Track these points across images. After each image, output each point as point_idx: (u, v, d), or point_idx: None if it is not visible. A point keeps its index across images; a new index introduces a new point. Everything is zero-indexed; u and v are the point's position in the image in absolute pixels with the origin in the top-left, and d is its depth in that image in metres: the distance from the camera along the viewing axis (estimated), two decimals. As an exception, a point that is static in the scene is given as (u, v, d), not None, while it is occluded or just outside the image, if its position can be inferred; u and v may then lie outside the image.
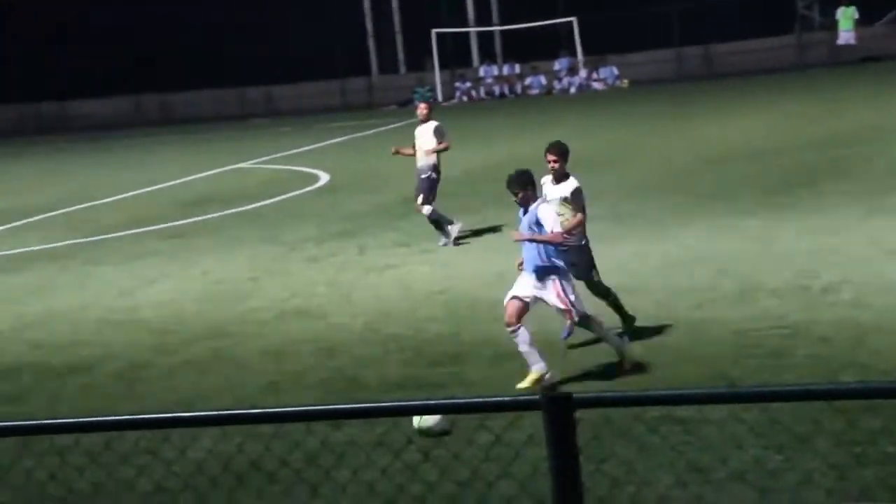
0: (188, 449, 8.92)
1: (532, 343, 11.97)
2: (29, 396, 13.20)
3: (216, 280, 18.88)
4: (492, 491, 8.46)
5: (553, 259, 12.12)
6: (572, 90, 56.80)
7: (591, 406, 5.02)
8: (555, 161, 13.64)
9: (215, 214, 26.05)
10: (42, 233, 25.38)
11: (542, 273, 12.12)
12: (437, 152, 20.46)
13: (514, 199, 12.33)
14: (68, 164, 42.90)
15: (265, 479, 8.95)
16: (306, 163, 35.17)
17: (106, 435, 7.82)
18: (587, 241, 13.70)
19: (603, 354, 12.61)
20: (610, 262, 15.33)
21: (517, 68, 58.90)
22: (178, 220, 25.61)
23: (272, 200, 27.74)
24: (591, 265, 13.75)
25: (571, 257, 12.98)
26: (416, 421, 10.15)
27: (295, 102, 60.10)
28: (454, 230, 20.29)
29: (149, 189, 31.78)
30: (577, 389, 8.64)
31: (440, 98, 56.31)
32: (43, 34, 62.01)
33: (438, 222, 20.37)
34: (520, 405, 5.25)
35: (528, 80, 58.23)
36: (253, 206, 27.05)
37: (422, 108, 20.67)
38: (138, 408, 12.14)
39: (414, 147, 20.78)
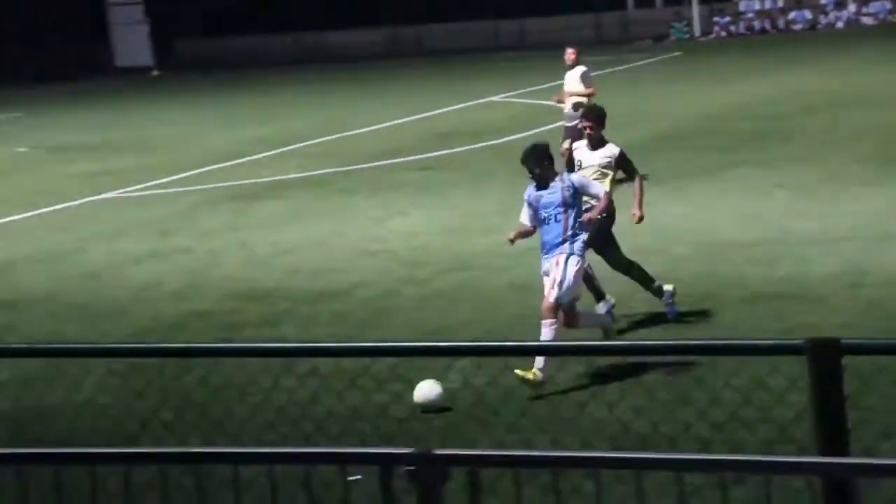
0: (442, 381, 8.93)
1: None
2: (285, 320, 13.50)
3: (465, 213, 18.92)
4: (752, 435, 8.23)
5: (577, 233, 11.02)
6: (839, 24, 54.78)
7: (859, 353, 4.73)
8: (590, 128, 12.80)
9: (466, 147, 26.12)
10: (300, 161, 25.91)
11: (557, 247, 11.01)
12: (584, 97, 20.09)
13: (529, 176, 11.33)
14: (326, 94, 43.68)
15: (516, 413, 8.91)
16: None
17: (360, 361, 7.93)
18: (613, 216, 12.60)
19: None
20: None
21: (780, 2, 57.14)
22: (429, 153, 25.79)
23: (522, 135, 27.64)
24: (613, 241, 12.73)
25: (594, 231, 11.93)
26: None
27: (548, 36, 59.79)
28: None
29: (402, 120, 32.09)
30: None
31: (697, 33, 55.18)
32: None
33: None
34: (782, 349, 5.01)
35: (791, 15, 56.46)
36: (503, 139, 27.01)
37: (569, 54, 20.53)
38: (388, 336, 12.27)
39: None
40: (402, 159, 24.99)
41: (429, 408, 9.61)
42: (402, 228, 18.12)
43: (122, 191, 23.29)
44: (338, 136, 29.80)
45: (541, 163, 11.16)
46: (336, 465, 5.04)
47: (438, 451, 4.70)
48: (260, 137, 30.23)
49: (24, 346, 10.04)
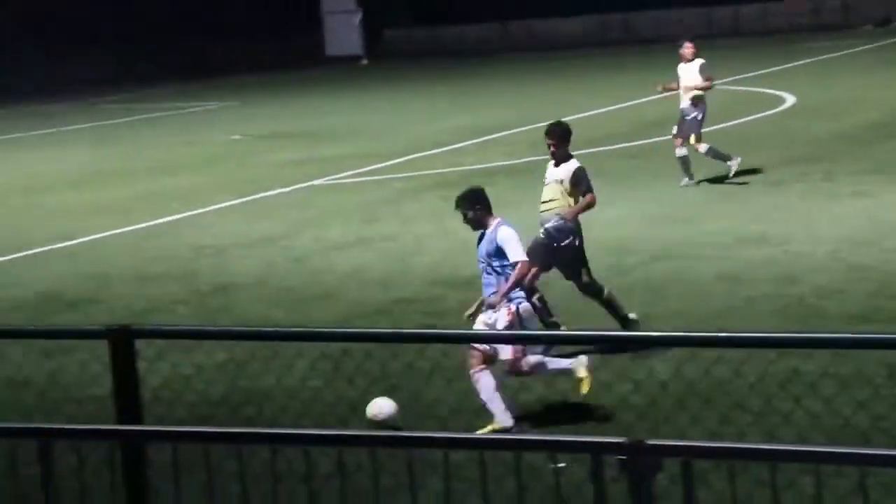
0: (652, 371, 8.82)
1: (496, 389, 9.14)
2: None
3: (672, 202, 18.70)
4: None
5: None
6: None
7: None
8: (553, 144, 12.43)
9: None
10: (505, 148, 25.93)
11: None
12: (701, 90, 20.08)
13: (463, 220, 10.39)
14: (533, 82, 43.66)
15: (732, 404, 8.75)
16: (772, 84, 34.27)
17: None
18: (581, 241, 12.15)
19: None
20: None
21: None
22: (636, 141, 25.55)
23: (734, 122, 27.19)
24: (582, 264, 12.21)
25: (562, 255, 11.62)
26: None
27: (763, 21, 58.64)
28: (734, 165, 19.84)
29: (609, 108, 31.88)
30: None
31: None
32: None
33: (718, 155, 19.98)
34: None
35: None
36: (713, 127, 26.53)
37: (688, 48, 20.52)
38: (593, 325, 12.18)
39: (678, 84, 20.44)
40: (608, 147, 24.81)
41: (381, 424, 9.06)
42: (607, 217, 17.91)
43: (330, 178, 23.67)
44: (544, 124, 29.64)
45: (472, 206, 10.24)
46: (547, 451, 5.02)
47: (651, 441, 4.63)
48: (466, 126, 30.38)
49: (239, 329, 10.27)
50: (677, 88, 20.58)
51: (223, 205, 21.32)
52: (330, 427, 8.23)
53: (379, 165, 24.96)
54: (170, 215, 20.55)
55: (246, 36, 63.94)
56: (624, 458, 4.64)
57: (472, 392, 9.06)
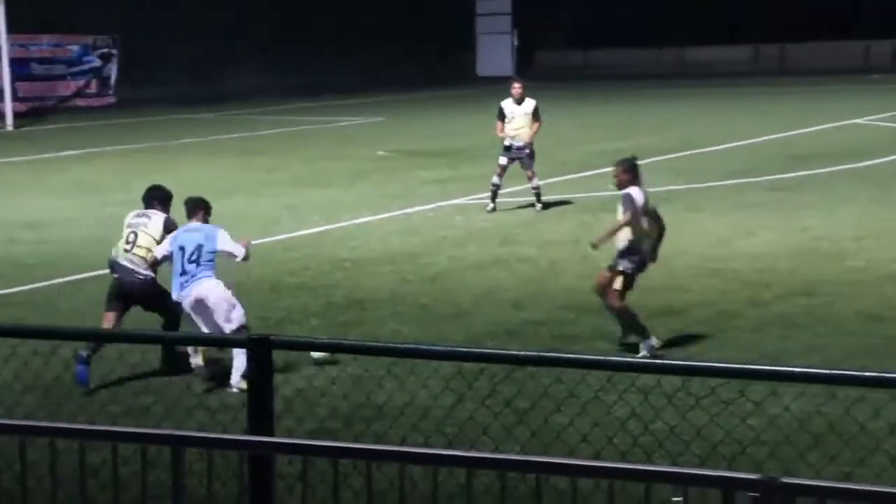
0: (767, 404, 8.69)
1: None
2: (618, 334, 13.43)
3: (817, 236, 18.40)
4: None
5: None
6: None
7: None
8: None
9: (823, 170, 25.42)
10: (650, 176, 25.68)
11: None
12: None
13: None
14: (683, 110, 43.35)
15: (841, 442, 8.58)
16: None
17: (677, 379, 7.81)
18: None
19: None
20: None
21: None
22: (783, 174, 25.21)
23: (885, 159, 26.68)
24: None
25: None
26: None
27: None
28: None
29: (758, 140, 31.50)
30: None
31: None
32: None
33: None
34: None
35: None
36: (866, 163, 26.15)
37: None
38: (724, 357, 12.03)
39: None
40: (754, 179, 24.52)
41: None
42: (747, 249, 17.77)
43: (472, 197, 23.74)
44: (691, 152, 29.51)
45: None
46: (678, 484, 4.96)
47: (785, 480, 4.56)
48: (613, 150, 30.13)
49: (374, 343, 10.33)
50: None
51: (364, 220, 21.51)
52: (458, 448, 8.24)
53: (522, 187, 24.97)
54: (311, 228, 20.80)
55: (399, 53, 64.58)
56: (756, 495, 4.57)
57: (603, 422, 9.01)
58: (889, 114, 36.48)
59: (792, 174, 25.09)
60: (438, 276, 16.77)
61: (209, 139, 37.58)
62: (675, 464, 7.92)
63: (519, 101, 22.31)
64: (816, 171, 25.38)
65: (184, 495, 5.25)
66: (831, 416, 8.68)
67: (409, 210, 22.53)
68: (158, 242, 12.20)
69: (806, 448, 7.90)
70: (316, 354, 11.13)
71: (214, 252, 12.07)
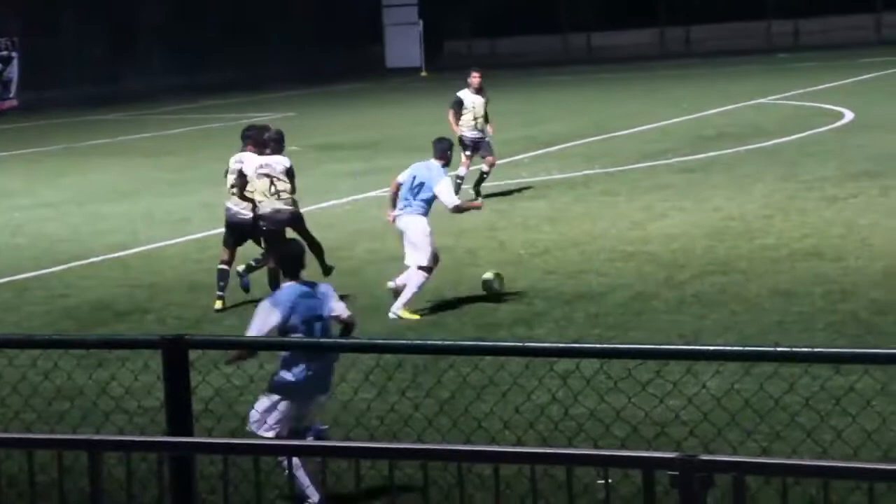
0: (685, 383, 8.76)
1: None
2: (540, 320, 13.50)
3: (728, 216, 18.60)
4: None
5: None
6: None
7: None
8: None
9: (731, 150, 25.69)
10: (561, 162, 25.88)
11: None
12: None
13: None
14: (591, 95, 43.58)
15: (786, 420, 8.69)
16: (830, 100, 34.02)
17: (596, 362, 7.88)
18: None
19: None
20: None
21: None
22: (693, 155, 25.45)
23: (791, 137, 27.03)
24: None
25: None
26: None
27: (824, 37, 58.19)
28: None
29: (667, 122, 31.76)
30: None
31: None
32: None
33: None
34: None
35: None
36: (771, 142, 26.47)
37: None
38: (642, 338, 12.15)
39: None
40: (665, 161, 24.73)
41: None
42: (662, 231, 17.92)
43: (386, 190, 23.65)
44: (602, 137, 29.68)
45: None
46: (599, 467, 4.99)
47: (704, 457, 4.61)
48: (523, 138, 30.34)
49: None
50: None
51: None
52: (380, 440, 8.23)
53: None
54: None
55: (306, 47, 64.30)
56: (676, 473, 4.62)
57: (524, 408, 9.05)
58: (792, 92, 36.95)
59: (702, 155, 25.34)
60: (356, 270, 16.74)
61: (118, 140, 37.16)
62: (596, 446, 7.98)
63: (478, 91, 22.26)
64: (725, 151, 25.64)
65: (103, 501, 5.19)
66: (747, 393, 8.79)
67: (324, 204, 22.44)
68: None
69: (724, 425, 7.99)
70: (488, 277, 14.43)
71: (431, 193, 14.04)
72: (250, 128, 15.84)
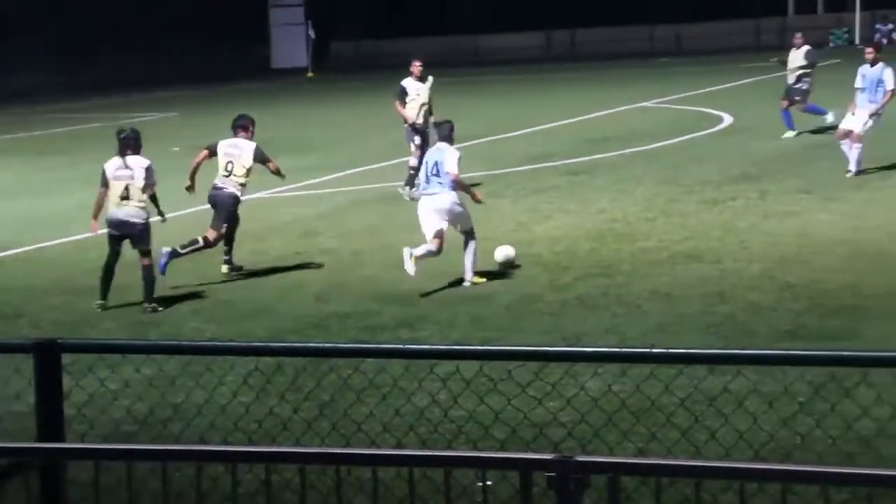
0: (564, 385, 8.81)
1: None
2: (424, 323, 13.50)
3: (611, 218, 18.78)
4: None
5: None
6: None
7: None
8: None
9: (615, 153, 25.96)
10: (446, 164, 25.90)
11: None
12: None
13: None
14: (479, 97, 43.74)
15: (661, 421, 8.79)
16: (711, 104, 34.53)
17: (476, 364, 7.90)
18: None
19: None
20: None
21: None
22: (577, 157, 25.66)
23: (673, 141, 27.39)
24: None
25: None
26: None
27: (705, 42, 59.11)
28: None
29: (553, 125, 32.00)
30: None
31: (857, 41, 54.12)
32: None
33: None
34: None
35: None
36: (653, 145, 26.79)
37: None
38: (526, 340, 12.20)
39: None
40: (550, 164, 24.90)
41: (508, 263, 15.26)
42: (547, 233, 18.04)
43: (270, 191, 23.55)
44: (488, 139, 29.81)
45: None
46: (476, 468, 4.99)
47: (580, 458, 4.63)
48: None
49: (169, 342, 10.19)
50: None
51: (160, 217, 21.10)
52: (258, 444, 8.17)
53: (322, 179, 24.93)
54: (107, 227, 20.33)
55: (192, 47, 63.71)
56: (552, 474, 4.63)
57: (404, 411, 9.03)
58: (674, 96, 37.46)
59: (586, 158, 25.56)
60: (240, 272, 16.62)
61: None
62: (475, 448, 8.00)
63: (421, 79, 22.67)
64: (609, 154, 25.91)
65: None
66: (624, 394, 8.88)
67: (206, 206, 22.18)
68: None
69: (601, 426, 8.06)
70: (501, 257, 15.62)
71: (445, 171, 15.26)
72: (241, 116, 17.75)
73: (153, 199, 15.13)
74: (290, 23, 66.18)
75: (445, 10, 64.34)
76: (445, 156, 15.45)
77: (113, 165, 15.10)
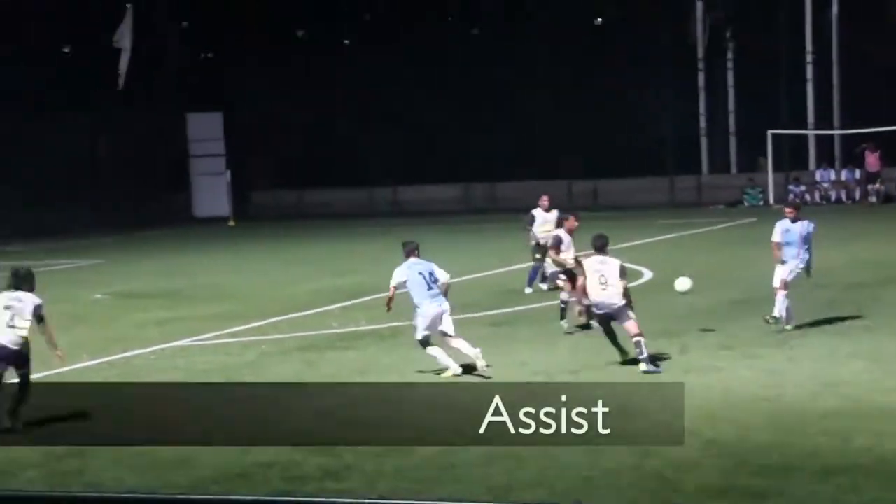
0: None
1: None
2: (349, 474, 13.45)
3: (534, 371, 18.87)
4: None
5: None
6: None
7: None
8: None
9: (538, 304, 26.16)
10: (371, 313, 25.98)
11: None
12: None
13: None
14: (396, 247, 43.86)
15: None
16: (630, 258, 34.93)
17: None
18: None
19: None
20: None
21: (857, 174, 57.05)
22: (502, 308, 25.84)
23: (595, 294, 27.63)
24: None
25: None
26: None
27: (622, 197, 60.10)
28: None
29: (475, 276, 32.24)
30: None
31: (771, 201, 55.34)
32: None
33: None
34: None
35: (870, 186, 56.23)
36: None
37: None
38: (453, 491, 12.16)
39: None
40: (473, 315, 25.03)
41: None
42: (472, 383, 18.08)
43: (194, 338, 23.48)
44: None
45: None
46: None
47: None
48: (332, 288, 30.48)
49: (92, 494, 10.05)
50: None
51: (81, 365, 20.92)
52: None
53: (245, 327, 24.86)
54: (27, 374, 20.10)
55: (115, 195, 63.62)
56: None
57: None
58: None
59: (508, 309, 25.75)
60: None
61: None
62: None
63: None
64: (533, 305, 26.12)
65: None
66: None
67: (129, 353, 22.08)
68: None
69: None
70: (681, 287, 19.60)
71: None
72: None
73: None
74: (211, 172, 66.47)
75: (365, 163, 64.98)
76: (433, 266, 19.00)
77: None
